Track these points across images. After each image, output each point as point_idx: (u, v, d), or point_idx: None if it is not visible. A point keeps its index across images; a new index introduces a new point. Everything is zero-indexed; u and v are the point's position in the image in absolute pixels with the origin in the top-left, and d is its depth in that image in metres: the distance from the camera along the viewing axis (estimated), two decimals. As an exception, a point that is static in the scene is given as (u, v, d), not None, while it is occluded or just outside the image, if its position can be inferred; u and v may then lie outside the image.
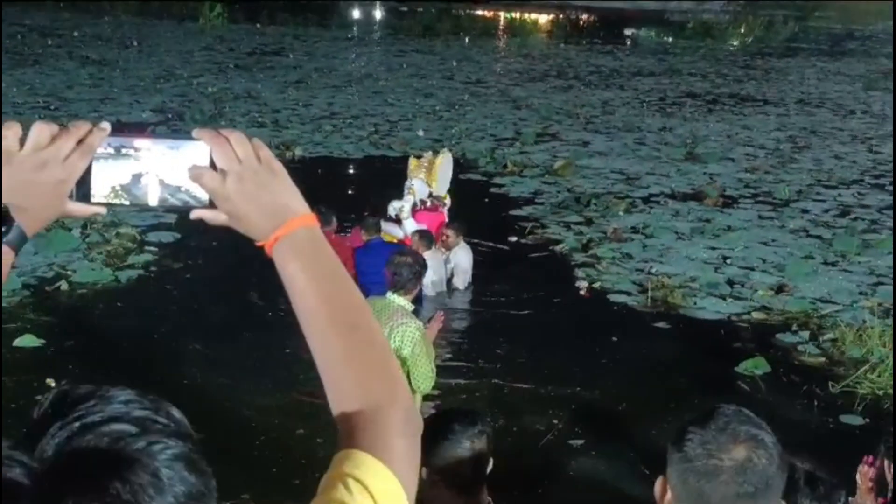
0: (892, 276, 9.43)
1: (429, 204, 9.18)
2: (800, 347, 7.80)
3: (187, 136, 1.12)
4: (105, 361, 6.80)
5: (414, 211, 9.06)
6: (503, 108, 19.90)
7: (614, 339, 7.89)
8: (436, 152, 9.87)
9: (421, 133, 16.38)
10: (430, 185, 9.18)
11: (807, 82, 26.20)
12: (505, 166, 14.13)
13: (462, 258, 8.98)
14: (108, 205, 1.11)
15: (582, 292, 8.88)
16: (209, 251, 9.74)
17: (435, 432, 2.73)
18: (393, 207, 8.91)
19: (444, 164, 9.34)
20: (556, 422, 6.29)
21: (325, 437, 5.77)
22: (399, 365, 1.18)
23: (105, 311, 8.06)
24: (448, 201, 9.38)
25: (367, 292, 8.59)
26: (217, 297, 8.46)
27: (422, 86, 22.74)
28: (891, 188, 13.31)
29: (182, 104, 18.43)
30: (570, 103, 20.69)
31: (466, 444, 2.76)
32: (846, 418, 6.57)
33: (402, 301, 4.66)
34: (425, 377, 4.55)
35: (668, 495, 1.71)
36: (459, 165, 11.52)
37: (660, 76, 26.50)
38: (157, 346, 7.35)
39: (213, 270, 9.22)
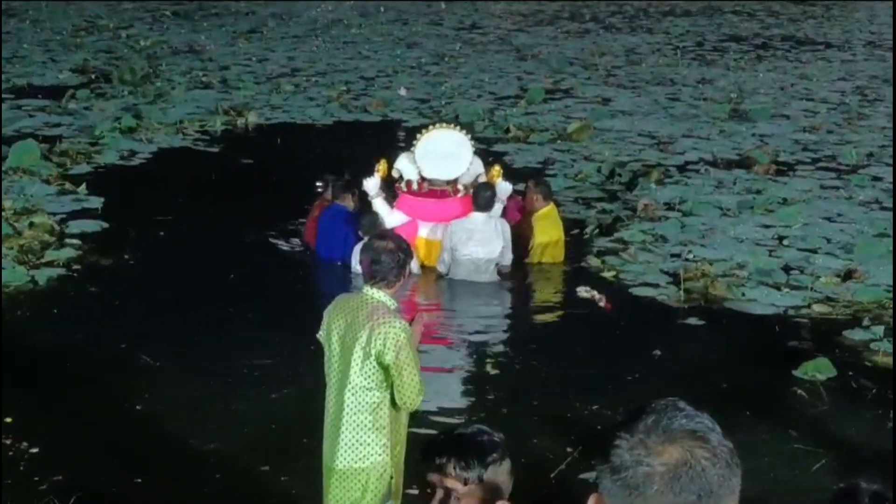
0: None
1: (415, 187, 9.19)
2: (872, 346, 7.84)
3: None
4: (20, 383, 6.82)
5: (396, 193, 9.21)
6: (504, 59, 19.87)
7: (644, 343, 7.91)
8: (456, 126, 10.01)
9: (403, 92, 16.36)
10: (416, 164, 9.19)
11: (878, 20, 26.19)
12: (507, 130, 14.15)
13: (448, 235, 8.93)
14: None
15: (601, 304, 8.59)
16: (144, 243, 9.74)
17: (465, 451, 2.80)
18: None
19: (431, 140, 9.26)
20: (570, 449, 6.31)
21: (293, 476, 5.80)
22: None
23: (19, 319, 8.08)
24: (461, 188, 9.23)
25: (320, 259, 8.90)
26: (157, 300, 8.46)
27: (404, 34, 22.69)
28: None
29: (108, 62, 18.38)
30: (587, 52, 20.67)
31: (499, 469, 2.83)
32: (929, 432, 6.62)
33: (382, 296, 4.64)
34: (412, 387, 4.53)
35: None
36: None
37: (697, 16, 26.48)
38: (85, 361, 7.33)
39: (150, 267, 9.23)
